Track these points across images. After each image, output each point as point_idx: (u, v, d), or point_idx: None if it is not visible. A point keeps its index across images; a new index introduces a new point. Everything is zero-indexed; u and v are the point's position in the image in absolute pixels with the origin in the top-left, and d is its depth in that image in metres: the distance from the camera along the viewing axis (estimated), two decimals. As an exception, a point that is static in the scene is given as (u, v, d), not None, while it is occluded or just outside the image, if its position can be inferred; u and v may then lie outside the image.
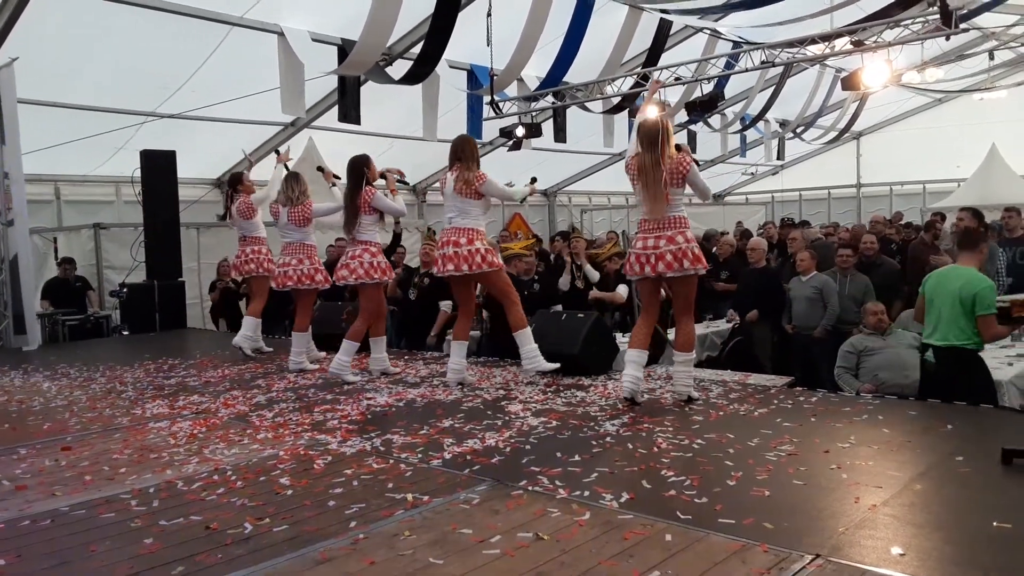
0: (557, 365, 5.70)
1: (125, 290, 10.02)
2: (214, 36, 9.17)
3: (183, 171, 10.40)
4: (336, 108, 10.14)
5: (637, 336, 5.04)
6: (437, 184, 15.63)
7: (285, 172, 7.14)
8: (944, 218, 8.10)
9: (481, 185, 5.56)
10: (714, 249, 10.07)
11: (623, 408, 4.85)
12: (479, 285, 6.13)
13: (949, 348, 4.95)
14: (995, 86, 15.19)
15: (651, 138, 4.82)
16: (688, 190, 5.01)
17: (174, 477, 3.76)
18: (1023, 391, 5.58)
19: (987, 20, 12.04)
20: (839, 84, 11.32)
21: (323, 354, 7.00)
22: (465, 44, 9.83)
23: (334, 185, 6.82)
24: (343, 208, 6.20)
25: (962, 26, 8.12)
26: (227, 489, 3.55)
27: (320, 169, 7.03)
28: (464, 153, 5.67)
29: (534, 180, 6.24)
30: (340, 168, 6.48)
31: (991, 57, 13.97)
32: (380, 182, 6.25)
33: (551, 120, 12.75)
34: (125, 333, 9.95)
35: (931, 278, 5.26)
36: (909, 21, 8.48)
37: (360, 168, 6.08)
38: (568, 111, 12.19)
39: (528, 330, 5.68)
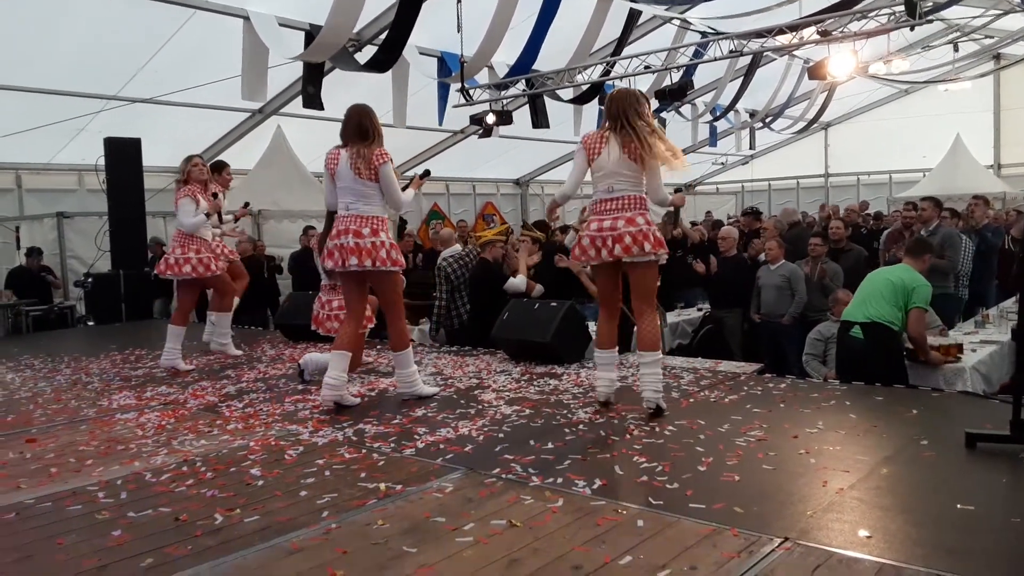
0: (437, 391, 5.13)
1: (90, 280, 9.85)
2: (177, 18, 8.98)
3: (148, 159, 10.23)
4: (305, 95, 10.01)
5: (603, 335, 4.61)
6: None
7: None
8: (915, 207, 8.22)
9: (381, 165, 4.74)
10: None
11: (595, 395, 4.87)
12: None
13: (877, 324, 5.19)
14: (959, 77, 15.43)
15: (625, 106, 4.34)
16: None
17: (142, 469, 3.71)
18: (986, 376, 5.71)
19: (951, 12, 12.20)
20: (807, 74, 11.42)
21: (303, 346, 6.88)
22: (435, 31, 9.76)
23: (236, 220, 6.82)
24: None
25: (927, 18, 8.22)
26: (196, 480, 3.51)
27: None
28: (364, 126, 4.79)
29: (426, 173, 5.54)
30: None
31: (956, 48, 14.18)
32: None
33: (522, 108, 12.72)
34: (90, 324, 9.79)
35: (871, 274, 5.63)
36: (875, 12, 8.57)
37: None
38: (538, 99, 12.15)
39: (409, 352, 5.00)
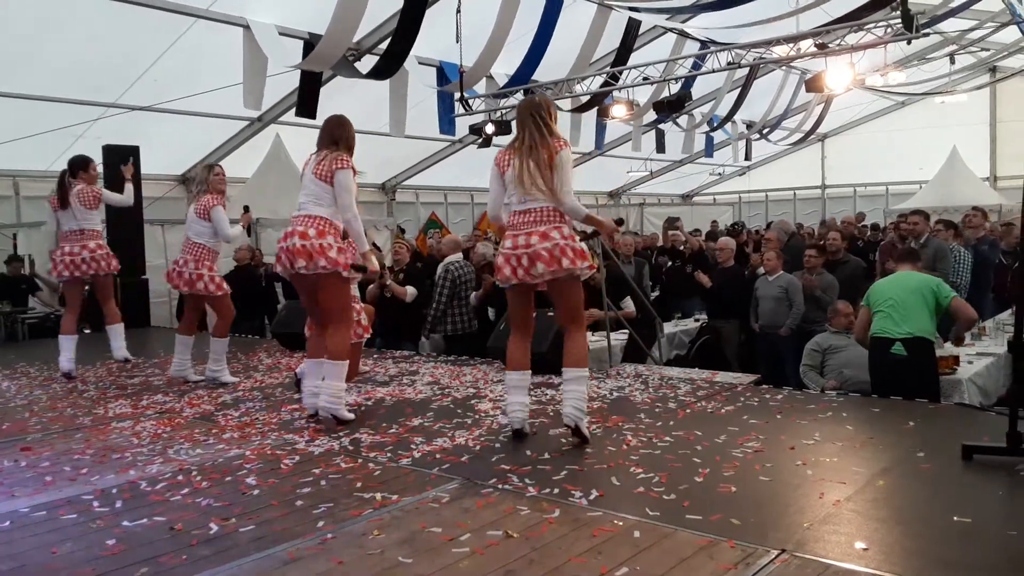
0: (353, 417, 4.70)
1: (87, 288, 9.81)
2: (176, 27, 9.01)
3: (146, 167, 10.23)
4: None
5: (514, 356, 4.26)
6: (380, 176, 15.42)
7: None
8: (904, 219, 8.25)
9: (339, 168, 4.59)
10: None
11: (592, 406, 4.85)
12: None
13: (919, 339, 5.10)
14: (956, 89, 15.51)
15: (527, 114, 4.12)
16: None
17: (137, 477, 3.70)
18: (982, 388, 5.72)
19: (948, 24, 12.27)
20: (804, 86, 11.47)
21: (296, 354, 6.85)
22: (435, 40, 9.79)
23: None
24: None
25: (923, 31, 8.28)
26: (192, 489, 3.50)
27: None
28: (335, 135, 4.71)
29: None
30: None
31: (952, 61, 14.25)
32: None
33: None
34: (87, 331, 9.74)
35: (876, 287, 5.49)
36: (872, 25, 8.62)
37: None
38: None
39: (344, 366, 4.67)
